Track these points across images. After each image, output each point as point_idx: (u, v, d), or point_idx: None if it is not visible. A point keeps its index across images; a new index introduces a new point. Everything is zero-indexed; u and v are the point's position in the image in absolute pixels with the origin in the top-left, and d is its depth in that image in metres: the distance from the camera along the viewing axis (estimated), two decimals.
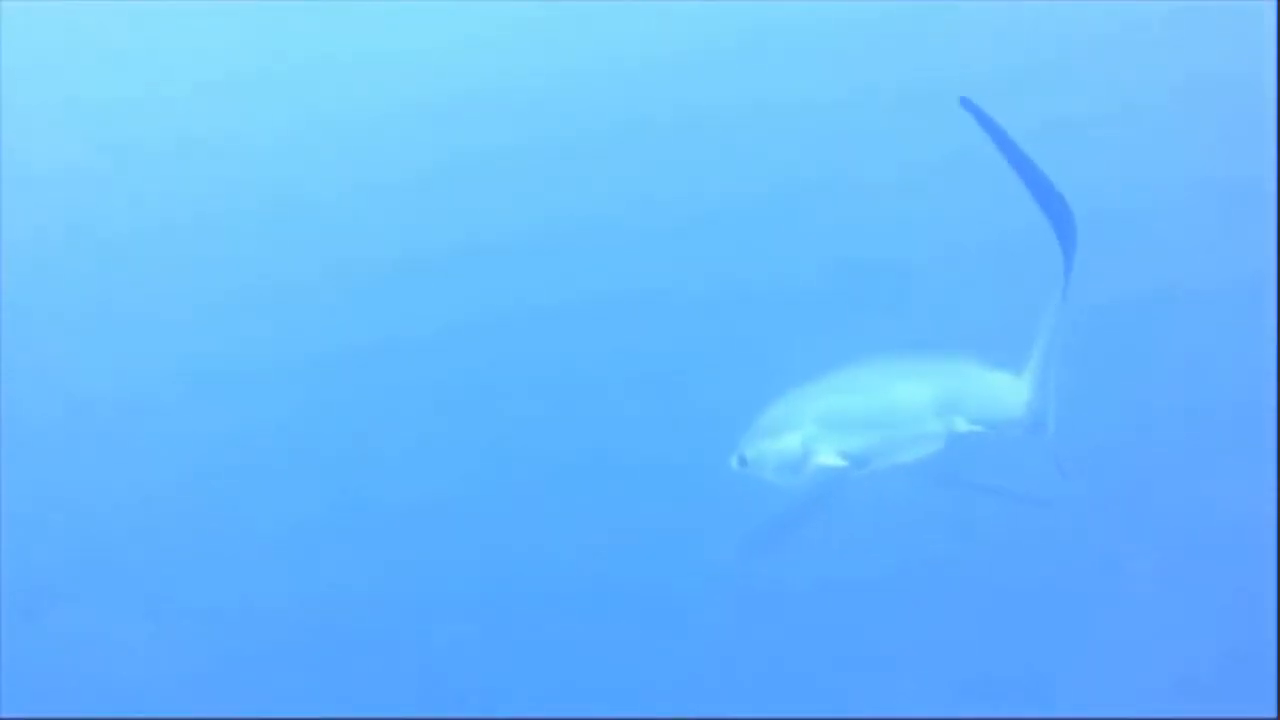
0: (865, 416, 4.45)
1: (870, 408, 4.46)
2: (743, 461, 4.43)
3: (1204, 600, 5.82)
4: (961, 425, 4.34)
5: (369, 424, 7.42)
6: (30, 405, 7.35)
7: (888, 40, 9.26)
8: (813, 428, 4.37)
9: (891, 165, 8.41)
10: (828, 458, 4.31)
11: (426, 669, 6.14)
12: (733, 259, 8.16)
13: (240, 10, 9.45)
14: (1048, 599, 6.08)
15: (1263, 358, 6.71)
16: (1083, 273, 4.14)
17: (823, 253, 8.06)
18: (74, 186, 8.71)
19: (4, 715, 5.55)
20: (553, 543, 6.59)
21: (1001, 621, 5.97)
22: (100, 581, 6.46)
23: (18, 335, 7.71)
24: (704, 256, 8.17)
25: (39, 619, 6.22)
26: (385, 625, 6.34)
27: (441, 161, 8.98)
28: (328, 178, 8.89)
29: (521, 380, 7.64)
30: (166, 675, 5.86)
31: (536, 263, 8.27)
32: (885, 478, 4.41)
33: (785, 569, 5.64)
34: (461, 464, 7.16)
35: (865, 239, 8.09)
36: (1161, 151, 8.29)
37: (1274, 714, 5.16)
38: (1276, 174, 7.39)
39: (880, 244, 8.03)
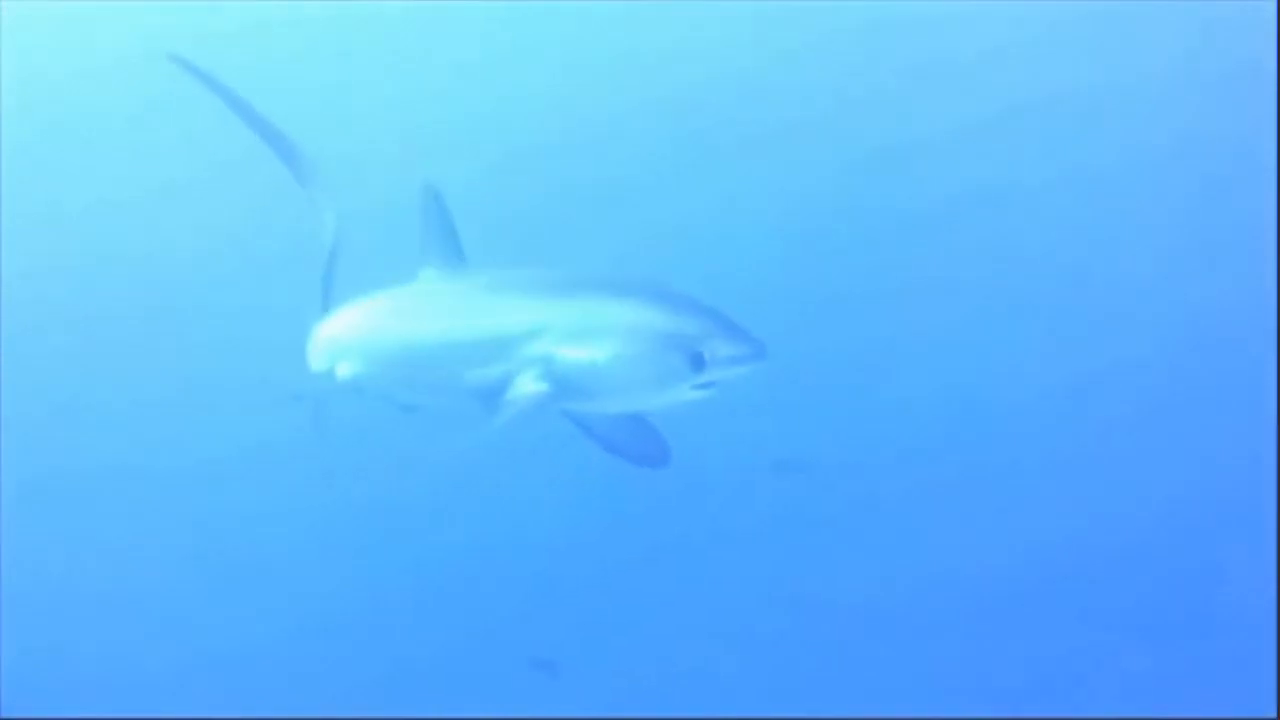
0: None
1: None
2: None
3: (1204, 600, 5.82)
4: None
5: None
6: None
7: None
8: None
9: None
10: None
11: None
12: None
13: None
14: (1049, 600, 6.07)
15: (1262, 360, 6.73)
16: None
17: None
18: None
19: (4, 715, 5.55)
20: None
21: (1001, 622, 5.97)
22: (99, 584, 6.47)
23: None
24: None
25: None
26: None
27: None
28: None
29: None
30: (163, 675, 5.85)
31: None
32: None
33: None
34: None
35: None
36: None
37: (1274, 714, 5.15)
38: (1277, 174, 7.39)
39: None
